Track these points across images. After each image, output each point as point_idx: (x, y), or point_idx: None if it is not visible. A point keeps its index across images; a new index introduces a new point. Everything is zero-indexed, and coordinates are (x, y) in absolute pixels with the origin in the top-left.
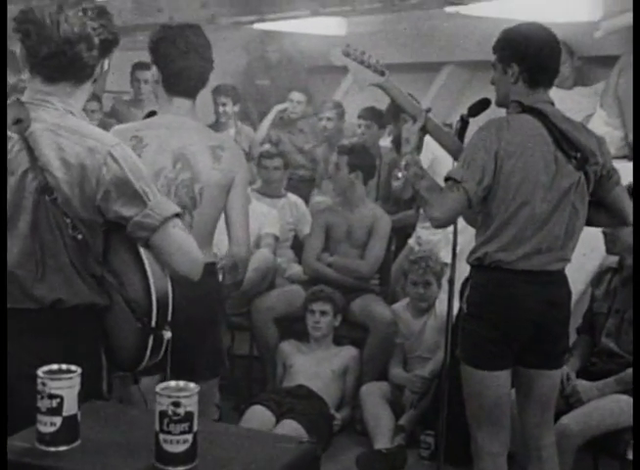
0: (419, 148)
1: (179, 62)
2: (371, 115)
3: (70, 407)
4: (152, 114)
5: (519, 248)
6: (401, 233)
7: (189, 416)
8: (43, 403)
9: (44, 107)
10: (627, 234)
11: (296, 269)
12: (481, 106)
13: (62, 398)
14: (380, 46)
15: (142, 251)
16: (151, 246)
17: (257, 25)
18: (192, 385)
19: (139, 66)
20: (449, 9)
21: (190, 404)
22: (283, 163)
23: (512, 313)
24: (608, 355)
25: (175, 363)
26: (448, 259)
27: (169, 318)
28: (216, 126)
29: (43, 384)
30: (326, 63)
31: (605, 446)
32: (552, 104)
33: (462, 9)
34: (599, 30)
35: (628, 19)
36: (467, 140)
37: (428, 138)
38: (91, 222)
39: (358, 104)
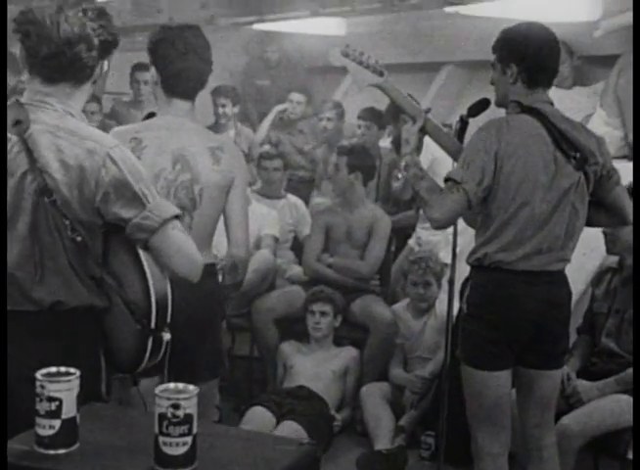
0: (418, 149)
1: (178, 63)
2: (370, 115)
3: (69, 410)
4: (151, 115)
5: (519, 248)
6: (401, 234)
7: (188, 418)
8: (42, 406)
9: (43, 108)
10: (627, 234)
11: (296, 270)
12: (481, 106)
13: (60, 400)
14: (379, 46)
15: (141, 252)
16: (150, 247)
17: (257, 26)
18: (191, 387)
19: (139, 67)
20: (449, 9)
21: (189, 407)
22: (282, 163)
23: (512, 314)
24: (608, 355)
25: (175, 364)
26: (448, 260)
27: (169, 320)
28: (216, 128)
29: (42, 387)
30: (325, 63)
31: (605, 447)
32: (551, 104)
33: (461, 9)
34: (598, 30)
35: (628, 18)
36: (467, 141)
37: (427, 139)
38: (90, 224)
39: (358, 104)
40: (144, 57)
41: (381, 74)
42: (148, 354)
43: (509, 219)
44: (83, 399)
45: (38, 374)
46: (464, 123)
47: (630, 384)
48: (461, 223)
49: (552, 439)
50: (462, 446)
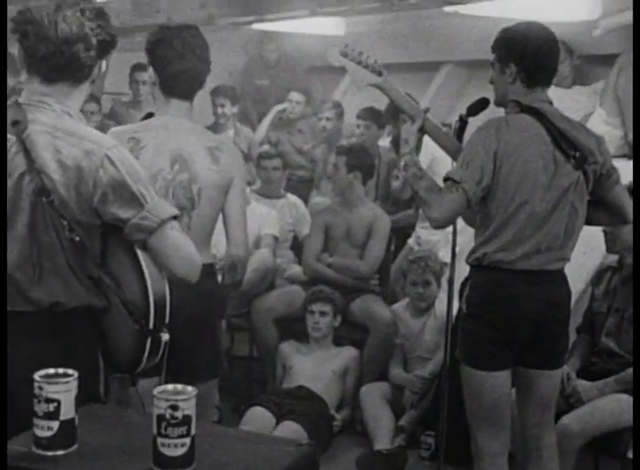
0: (418, 148)
1: (176, 64)
2: (370, 115)
3: (68, 411)
4: (149, 115)
5: (518, 248)
6: (401, 233)
7: (187, 420)
8: (40, 408)
9: (41, 108)
10: (627, 233)
11: (295, 270)
12: (480, 106)
13: (59, 402)
14: (378, 46)
15: (139, 253)
16: (148, 248)
17: (256, 26)
18: (190, 388)
19: (138, 67)
20: (448, 8)
21: (188, 408)
22: (282, 163)
23: (511, 313)
24: (608, 355)
25: (173, 365)
26: (448, 259)
27: (167, 320)
28: (215, 127)
29: (40, 388)
30: (324, 63)
31: (605, 446)
32: (550, 103)
33: (460, 8)
34: (598, 29)
35: (627, 17)
36: (466, 140)
37: (427, 138)
38: (88, 224)
39: (357, 104)
40: (143, 57)
41: (380, 74)
42: (146, 355)
43: (508, 219)
44: (82, 399)
45: (36, 375)
46: (463, 123)
47: (630, 383)
48: (460, 223)
49: (552, 438)
50: (462, 445)
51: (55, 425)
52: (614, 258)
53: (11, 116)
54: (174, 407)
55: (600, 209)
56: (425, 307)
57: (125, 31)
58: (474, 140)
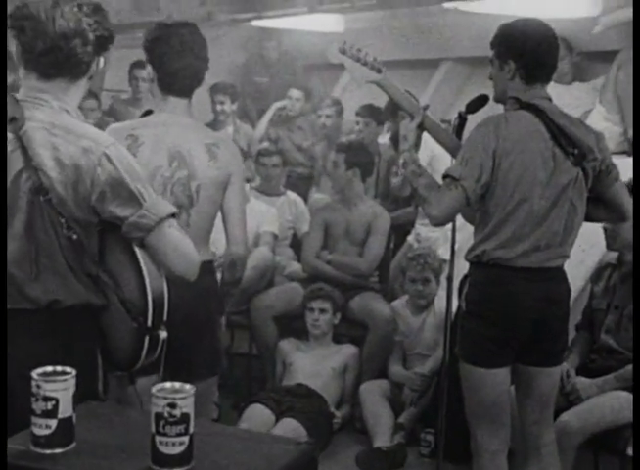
0: (417, 145)
1: (174, 61)
2: (369, 112)
3: (66, 410)
4: (148, 112)
5: (517, 245)
6: (400, 230)
7: (185, 418)
8: (38, 406)
9: (39, 105)
10: (628, 230)
11: (294, 267)
12: (479, 102)
13: (57, 400)
14: (378, 42)
15: (138, 250)
16: (146, 246)
17: (255, 23)
18: (188, 386)
19: (137, 64)
20: (447, 5)
21: (186, 406)
22: (281, 160)
23: (511, 311)
24: (607, 352)
25: (172, 362)
26: (447, 256)
27: (165, 318)
28: (214, 125)
29: (38, 386)
30: (324, 60)
31: (605, 443)
32: (550, 99)
33: (460, 5)
34: (598, 26)
35: (627, 14)
36: (465, 137)
37: (426, 135)
38: (86, 222)
39: (357, 101)
40: (142, 54)
41: (378, 71)
42: (144, 353)
43: (507, 216)
44: (80, 397)
45: (34, 374)
46: (462, 120)
47: (630, 380)
48: (460, 220)
49: (551, 436)
50: (461, 443)
51: (53, 423)
52: (613, 256)
53: (8, 112)
54: (172, 405)
55: (599, 205)
56: (424, 305)
57: (125, 28)
58: (473, 137)
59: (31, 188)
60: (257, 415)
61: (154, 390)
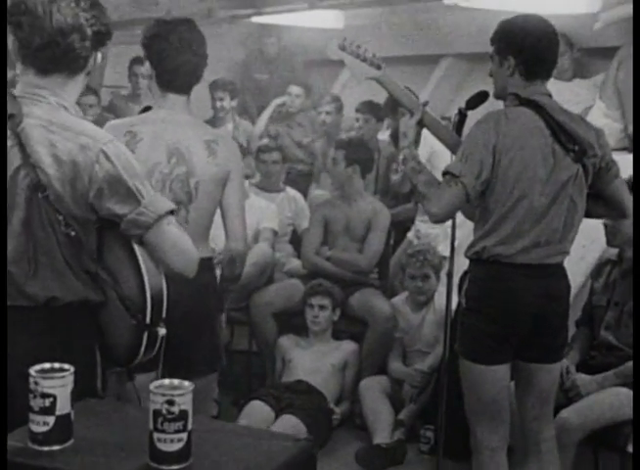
0: (417, 142)
1: (173, 58)
2: (369, 108)
3: (63, 406)
4: (147, 109)
5: (517, 241)
6: (400, 227)
7: (183, 415)
8: (36, 403)
9: (36, 101)
10: (628, 226)
11: (294, 264)
12: (479, 99)
13: (54, 397)
14: (378, 39)
15: (136, 247)
16: (145, 243)
17: (255, 19)
18: (186, 383)
19: (137, 60)
20: (447, 1)
21: (184, 403)
22: (281, 157)
23: (511, 307)
24: (607, 348)
25: (171, 359)
26: (447, 253)
27: (164, 315)
28: (214, 121)
29: (36, 383)
30: (324, 56)
31: (605, 440)
32: (550, 96)
33: (460, 1)
34: (598, 22)
35: (627, 10)
36: (465, 133)
37: (426, 132)
38: (84, 219)
39: (356, 97)
40: (142, 50)
41: (378, 68)
42: (143, 349)
43: (507, 213)
44: (78, 394)
45: (32, 370)
46: (462, 116)
47: (630, 377)
48: (460, 216)
49: (551, 432)
50: (461, 439)
51: (51, 420)
52: (613, 252)
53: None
54: (171, 402)
55: (599, 202)
56: (424, 301)
57: (124, 24)
58: (473, 134)
59: (29, 185)
60: (257, 412)
61: (152, 387)
